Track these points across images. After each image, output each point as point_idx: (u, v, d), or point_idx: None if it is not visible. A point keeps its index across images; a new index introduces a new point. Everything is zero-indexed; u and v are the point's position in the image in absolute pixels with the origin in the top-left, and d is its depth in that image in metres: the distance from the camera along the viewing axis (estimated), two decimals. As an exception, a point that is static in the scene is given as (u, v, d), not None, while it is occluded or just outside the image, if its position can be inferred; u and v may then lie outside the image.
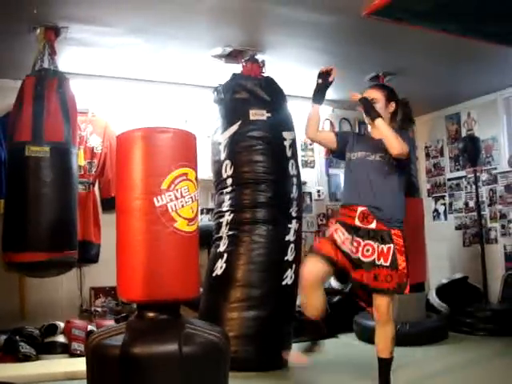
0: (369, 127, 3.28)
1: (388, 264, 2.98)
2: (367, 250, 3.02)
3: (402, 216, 3.11)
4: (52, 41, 3.78)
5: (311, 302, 3.14)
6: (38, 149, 3.54)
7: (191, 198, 2.61)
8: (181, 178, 2.58)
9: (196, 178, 2.69)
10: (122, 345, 2.38)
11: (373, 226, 3.04)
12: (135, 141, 2.61)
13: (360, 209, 3.09)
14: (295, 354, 3.34)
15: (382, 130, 3.06)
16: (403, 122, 3.30)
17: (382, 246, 3.01)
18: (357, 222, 3.09)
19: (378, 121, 3.07)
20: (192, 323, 2.59)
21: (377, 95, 3.19)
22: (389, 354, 3.08)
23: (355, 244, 3.05)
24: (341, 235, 3.09)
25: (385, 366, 3.08)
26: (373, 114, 3.12)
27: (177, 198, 2.55)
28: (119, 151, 2.74)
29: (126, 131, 2.71)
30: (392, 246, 3.00)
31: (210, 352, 2.46)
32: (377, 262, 3.00)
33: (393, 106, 3.22)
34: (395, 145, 3.00)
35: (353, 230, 3.08)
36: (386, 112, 3.18)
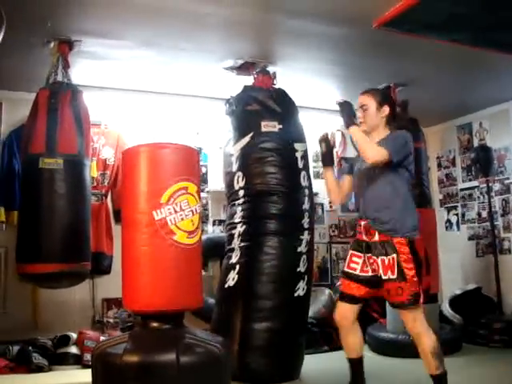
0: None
1: (395, 276, 2.84)
2: (378, 265, 2.91)
3: (409, 222, 2.93)
4: (65, 54, 3.83)
5: (347, 342, 3.10)
6: (52, 161, 3.56)
7: (191, 211, 2.66)
8: (180, 192, 2.64)
9: (198, 192, 2.73)
10: (122, 353, 2.43)
11: (376, 238, 2.93)
12: (137, 157, 2.70)
13: (362, 222, 3.02)
14: None
15: (354, 138, 2.95)
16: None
17: (387, 257, 2.86)
18: (364, 237, 3.01)
19: (352, 129, 2.95)
20: (193, 333, 2.62)
21: (367, 101, 3.05)
22: (434, 369, 2.85)
23: (371, 261, 2.95)
24: (357, 260, 3.03)
25: (434, 382, 2.89)
26: (346, 120, 2.99)
27: (176, 212, 2.61)
28: (124, 167, 2.84)
29: (130, 147, 2.82)
30: (395, 255, 2.84)
31: (208, 362, 2.50)
32: (384, 277, 2.88)
33: (386, 109, 3.05)
34: (368, 154, 2.88)
35: (363, 245, 3.01)
36: (378, 117, 3.04)
